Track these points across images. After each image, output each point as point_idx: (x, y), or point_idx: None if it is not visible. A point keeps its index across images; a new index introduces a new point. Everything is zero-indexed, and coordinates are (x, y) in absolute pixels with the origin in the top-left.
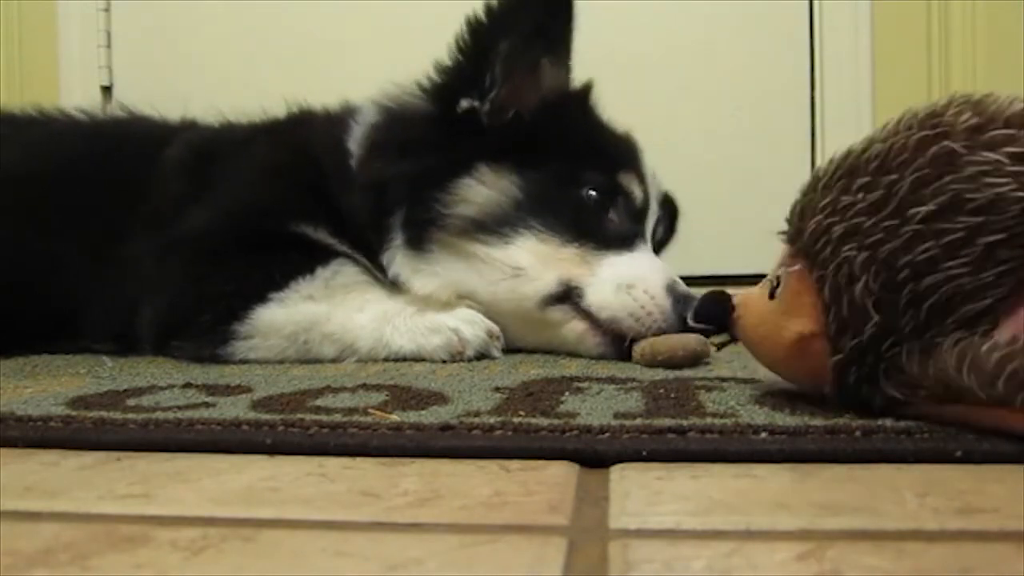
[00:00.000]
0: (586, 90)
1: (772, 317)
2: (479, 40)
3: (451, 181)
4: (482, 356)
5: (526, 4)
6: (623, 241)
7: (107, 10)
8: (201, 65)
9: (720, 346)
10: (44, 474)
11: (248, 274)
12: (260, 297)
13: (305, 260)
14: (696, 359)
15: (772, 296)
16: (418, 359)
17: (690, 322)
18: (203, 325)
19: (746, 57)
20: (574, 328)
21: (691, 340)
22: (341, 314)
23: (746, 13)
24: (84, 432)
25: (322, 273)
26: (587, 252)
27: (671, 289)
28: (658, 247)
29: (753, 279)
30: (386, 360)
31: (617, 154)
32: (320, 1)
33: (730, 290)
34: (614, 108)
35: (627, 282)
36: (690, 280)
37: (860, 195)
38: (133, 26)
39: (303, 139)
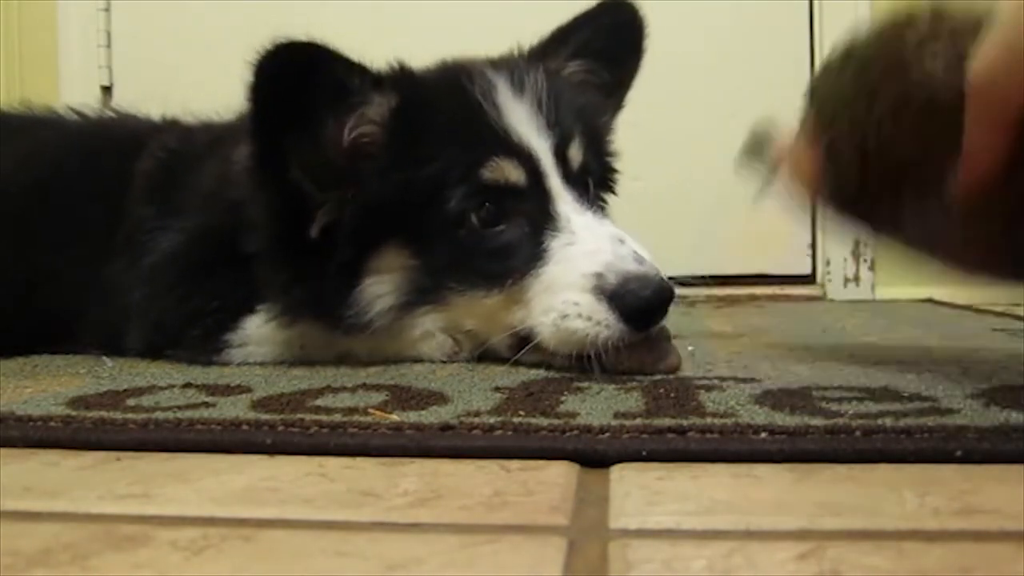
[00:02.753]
0: (392, 105)
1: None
2: (269, 170)
3: (349, 294)
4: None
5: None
6: (534, 255)
7: (107, 10)
8: (201, 65)
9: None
10: (44, 474)
11: (233, 289)
12: (248, 308)
13: None
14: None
15: None
16: (416, 360)
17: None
18: (194, 339)
19: (746, 57)
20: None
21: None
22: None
23: (746, 14)
24: (84, 432)
25: None
26: (510, 293)
27: (600, 291)
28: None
29: (753, 279)
30: (385, 361)
31: (467, 144)
32: (320, 1)
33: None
34: None
35: (559, 314)
36: (690, 280)
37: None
38: (133, 26)
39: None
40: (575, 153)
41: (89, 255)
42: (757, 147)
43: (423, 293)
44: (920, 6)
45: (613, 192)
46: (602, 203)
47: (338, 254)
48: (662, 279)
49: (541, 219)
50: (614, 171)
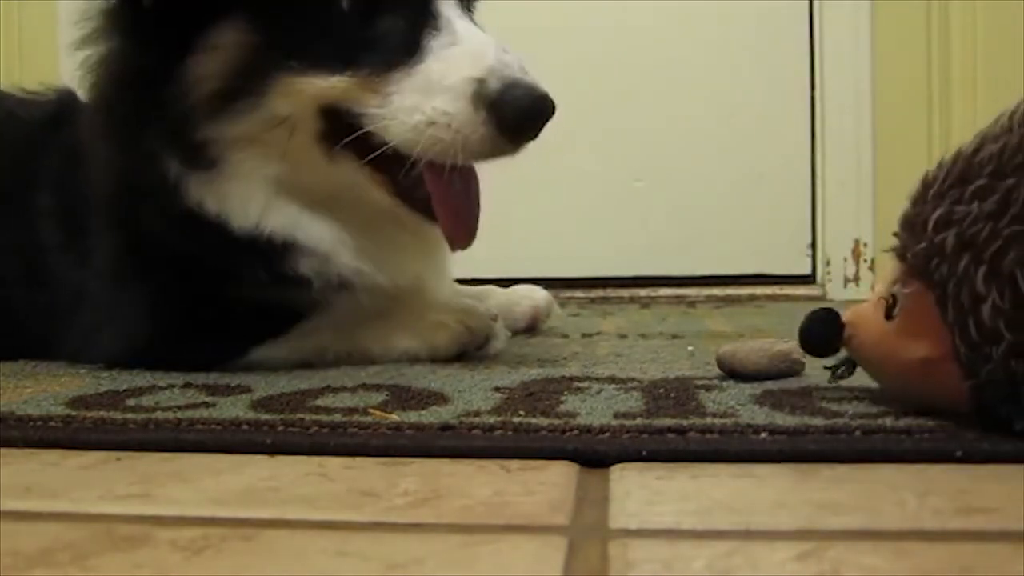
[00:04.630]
0: None
1: (891, 339)
2: None
3: (177, 69)
4: (487, 341)
5: None
6: (408, 50)
7: None
8: None
9: (835, 371)
10: (44, 474)
11: (231, 331)
12: (255, 341)
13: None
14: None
15: (889, 316)
16: (433, 358)
17: (796, 351)
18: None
19: (746, 57)
20: (379, 198)
21: (776, 343)
22: (345, 335)
23: (746, 13)
24: (84, 432)
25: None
26: (366, 83)
27: (479, 99)
28: None
29: (753, 279)
30: (397, 361)
31: None
32: None
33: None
34: (613, 108)
35: (426, 119)
36: (690, 280)
37: (975, 204)
38: None
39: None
40: None
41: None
42: (822, 342)
43: (254, 75)
44: None
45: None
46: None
47: (169, 23)
48: (546, 92)
49: (421, 16)
50: None
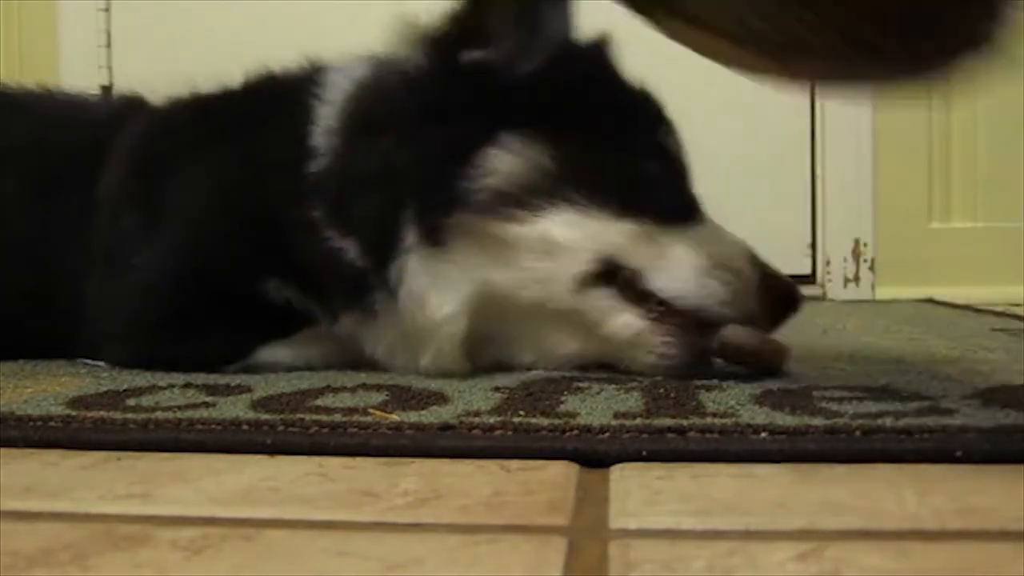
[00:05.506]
0: (602, 43)
1: None
2: None
3: (473, 152)
4: None
5: None
6: (687, 213)
7: (107, 10)
8: (201, 65)
9: None
10: (44, 474)
11: (234, 331)
12: (260, 340)
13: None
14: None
15: None
16: None
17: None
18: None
19: None
20: (627, 323)
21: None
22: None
23: None
24: (84, 432)
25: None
26: (647, 229)
27: (756, 262)
28: None
29: None
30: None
31: (655, 114)
32: (324, 1)
33: None
34: None
35: (712, 262)
36: None
37: None
38: (133, 26)
39: (255, 144)
40: None
41: (67, 268)
42: None
43: (532, 194)
44: None
45: None
46: None
47: (478, 104)
48: None
49: (693, 197)
50: None
